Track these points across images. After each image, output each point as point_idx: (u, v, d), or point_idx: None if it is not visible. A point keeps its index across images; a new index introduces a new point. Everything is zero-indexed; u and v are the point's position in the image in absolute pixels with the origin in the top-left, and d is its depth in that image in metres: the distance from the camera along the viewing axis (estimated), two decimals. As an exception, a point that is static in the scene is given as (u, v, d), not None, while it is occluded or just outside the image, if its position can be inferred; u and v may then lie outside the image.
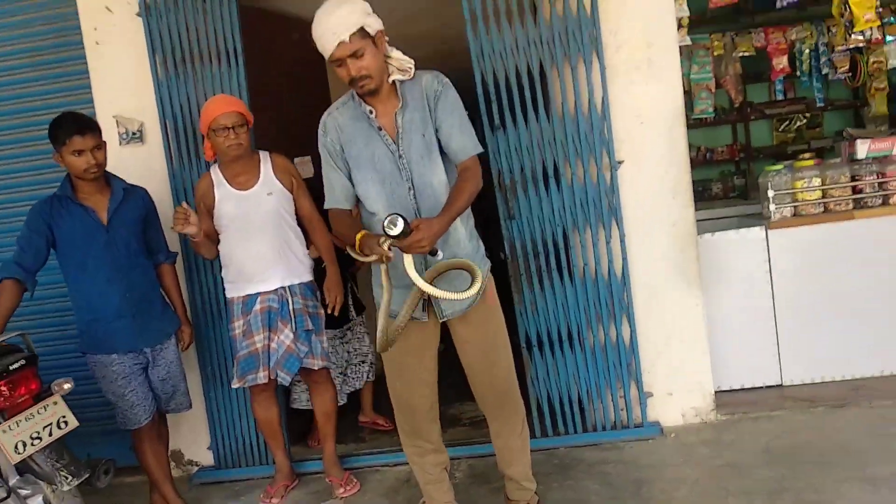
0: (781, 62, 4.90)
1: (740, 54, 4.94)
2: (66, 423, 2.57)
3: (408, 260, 2.07)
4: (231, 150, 2.98)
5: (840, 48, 4.67)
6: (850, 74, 4.97)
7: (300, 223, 3.20)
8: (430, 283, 2.12)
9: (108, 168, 3.02)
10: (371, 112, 2.26)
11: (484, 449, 3.20)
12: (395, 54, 2.26)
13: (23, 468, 2.62)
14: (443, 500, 2.57)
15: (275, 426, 3.24)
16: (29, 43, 3.56)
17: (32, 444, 2.45)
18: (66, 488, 2.47)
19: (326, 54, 2.16)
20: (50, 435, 2.50)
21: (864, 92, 5.13)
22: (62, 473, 2.48)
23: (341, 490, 3.15)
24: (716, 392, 3.47)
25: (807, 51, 4.97)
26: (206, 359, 3.52)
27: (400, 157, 2.26)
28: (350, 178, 2.31)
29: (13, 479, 2.62)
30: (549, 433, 3.36)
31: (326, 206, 2.37)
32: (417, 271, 2.09)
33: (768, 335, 3.63)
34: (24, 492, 2.63)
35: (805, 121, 6.46)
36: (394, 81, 2.26)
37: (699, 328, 3.40)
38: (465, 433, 3.60)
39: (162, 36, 3.41)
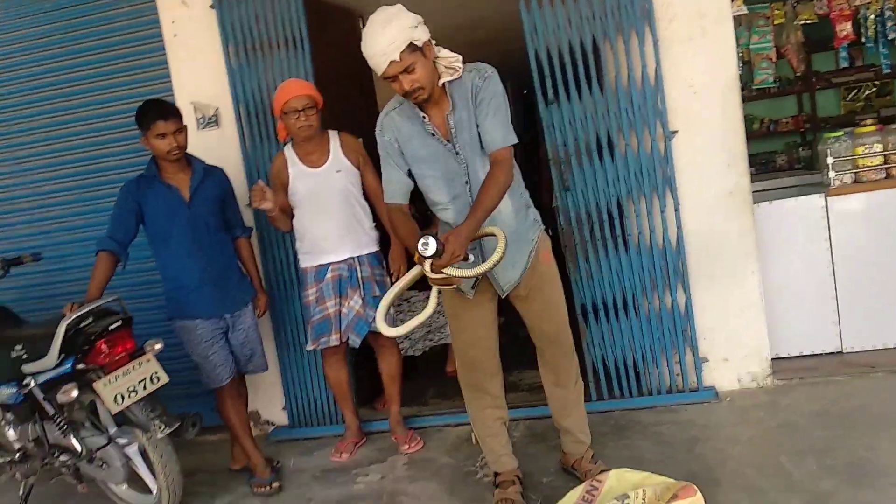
0: (845, 29, 4.78)
1: (802, 22, 4.85)
2: (157, 378, 2.84)
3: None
4: (302, 131, 3.19)
5: (908, 11, 4.55)
6: (919, 38, 4.82)
7: (367, 197, 3.39)
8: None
9: (188, 151, 3.29)
10: (425, 118, 2.37)
11: (542, 411, 3.32)
12: (443, 54, 2.34)
13: (121, 419, 2.93)
14: (500, 452, 2.73)
15: (344, 387, 3.47)
16: (113, 37, 3.84)
17: (129, 397, 2.73)
18: (159, 436, 2.74)
19: (379, 72, 2.25)
20: (144, 389, 2.78)
21: (935, 56, 4.97)
22: (156, 423, 2.74)
23: (406, 447, 3.35)
24: (773, 359, 3.51)
25: (872, 16, 4.84)
26: (280, 326, 3.78)
27: (457, 153, 2.39)
28: (409, 174, 2.46)
29: (112, 430, 2.94)
30: (605, 396, 3.47)
31: (385, 200, 2.52)
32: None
33: (828, 302, 3.63)
34: (122, 441, 2.94)
35: (875, 89, 6.28)
36: (443, 84, 2.35)
37: (755, 296, 3.43)
38: (524, 397, 3.73)
39: (234, 26, 3.64)
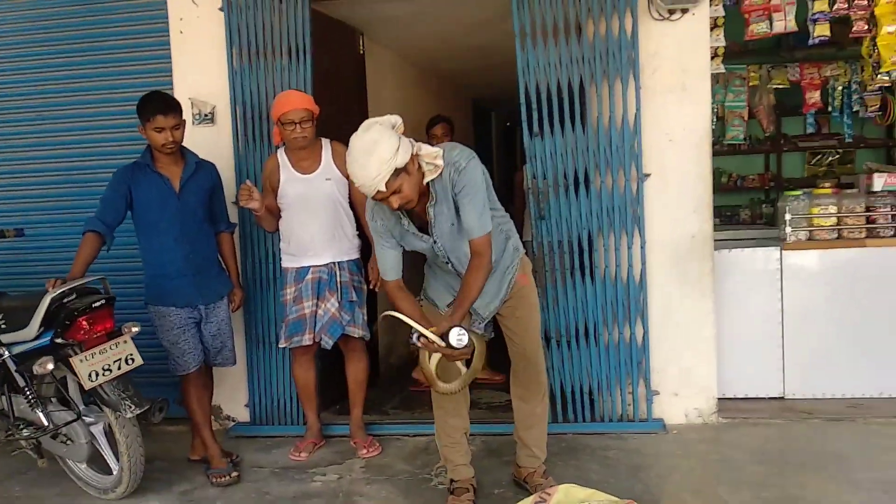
0: (814, 97, 5.12)
1: (774, 86, 5.18)
2: (132, 360, 2.92)
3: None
4: (297, 141, 3.32)
5: (872, 87, 4.88)
6: (880, 113, 5.17)
7: (352, 206, 3.51)
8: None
9: (183, 145, 3.37)
10: (401, 219, 2.53)
11: (498, 428, 3.50)
12: (424, 151, 2.41)
13: (88, 400, 3.00)
14: (459, 461, 2.86)
15: (311, 388, 3.56)
16: (119, 27, 3.95)
17: (103, 375, 2.80)
18: (129, 415, 2.81)
19: (368, 195, 2.41)
20: (119, 369, 2.85)
21: (892, 132, 5.32)
22: (127, 403, 2.81)
23: (364, 451, 3.45)
24: (720, 398, 3.70)
25: (840, 88, 5.19)
26: (253, 323, 3.87)
27: (434, 242, 2.57)
28: (400, 244, 2.64)
29: (80, 407, 2.99)
30: (560, 419, 3.62)
31: (384, 278, 2.67)
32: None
33: (775, 350, 3.85)
34: (88, 419, 3.00)
35: (838, 156, 6.64)
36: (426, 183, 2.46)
37: (709, 336, 3.64)
38: (482, 414, 3.87)
39: (240, 30, 3.77)
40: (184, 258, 3.23)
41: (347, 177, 3.43)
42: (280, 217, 3.48)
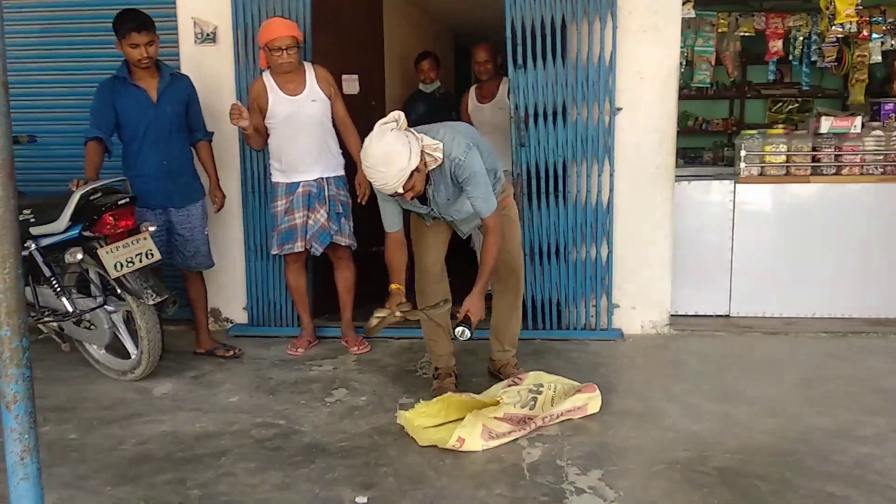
0: (776, 45, 5.45)
1: (742, 34, 5.50)
2: (151, 254, 3.22)
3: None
4: (283, 66, 3.57)
5: (829, 38, 5.24)
6: (836, 63, 5.55)
7: (335, 126, 3.79)
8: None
9: (184, 62, 3.67)
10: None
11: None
12: (426, 143, 2.71)
13: (109, 288, 3.30)
14: (442, 352, 3.27)
15: (303, 291, 3.91)
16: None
17: (127, 266, 3.11)
18: (150, 302, 3.13)
19: (386, 192, 2.71)
20: (140, 262, 3.16)
21: (847, 82, 5.72)
22: (148, 292, 3.13)
23: (355, 348, 3.84)
24: (673, 315, 4.16)
25: (800, 38, 5.53)
26: (250, 233, 4.18)
27: (431, 210, 2.95)
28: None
29: (101, 297, 3.31)
30: (530, 327, 4.03)
31: (387, 230, 3.01)
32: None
33: (724, 273, 4.30)
34: (109, 307, 3.32)
35: (797, 104, 7.05)
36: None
37: (665, 258, 4.06)
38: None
39: (243, -48, 3.96)
40: (158, 163, 3.50)
41: (331, 98, 3.73)
42: (268, 136, 3.75)
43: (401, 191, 2.67)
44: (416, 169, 2.66)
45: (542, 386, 2.96)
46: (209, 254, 3.79)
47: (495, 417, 2.73)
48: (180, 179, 3.60)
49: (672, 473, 2.43)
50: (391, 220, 3.00)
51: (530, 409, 2.83)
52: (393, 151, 2.59)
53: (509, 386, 3.00)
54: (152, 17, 4.02)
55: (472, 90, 4.66)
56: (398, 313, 2.88)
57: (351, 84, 4.23)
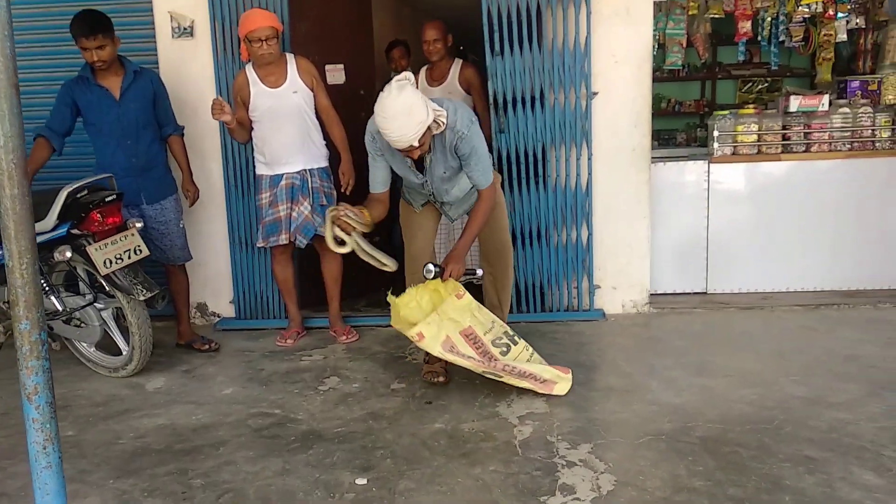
0: (745, 26, 5.55)
1: (711, 16, 5.60)
2: (140, 250, 3.24)
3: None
4: (263, 58, 3.59)
5: (796, 19, 5.36)
6: (803, 43, 5.68)
7: (318, 116, 3.82)
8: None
9: (162, 57, 3.66)
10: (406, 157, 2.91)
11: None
12: (433, 107, 2.77)
13: (96, 285, 3.32)
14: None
15: (290, 283, 3.95)
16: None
17: (116, 263, 3.13)
18: (141, 298, 3.16)
19: (400, 147, 2.74)
20: (129, 258, 3.18)
21: (815, 61, 5.86)
22: (138, 288, 3.16)
23: (344, 338, 3.90)
24: (652, 294, 4.27)
25: (769, 19, 5.65)
26: (234, 226, 4.20)
27: (424, 183, 3.02)
28: (390, 165, 3.04)
29: (90, 294, 3.32)
30: (514, 310, 4.09)
31: (371, 190, 3.08)
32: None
33: (700, 251, 4.42)
34: (99, 305, 3.34)
35: (766, 84, 7.19)
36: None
37: (643, 238, 4.16)
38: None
39: (218, -55, 3.96)
40: (126, 160, 3.53)
41: (312, 89, 3.76)
42: (252, 129, 3.78)
43: (416, 144, 2.71)
44: (429, 126, 2.73)
45: (522, 346, 3.05)
46: (186, 247, 3.81)
47: (461, 332, 2.90)
48: (151, 175, 3.62)
49: (658, 444, 2.53)
50: (378, 182, 3.06)
51: (501, 354, 2.96)
52: (414, 104, 2.67)
53: (494, 321, 3.09)
54: (128, 12, 4.04)
55: (423, 71, 4.41)
56: (357, 228, 2.97)
57: (336, 74, 4.25)
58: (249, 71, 3.72)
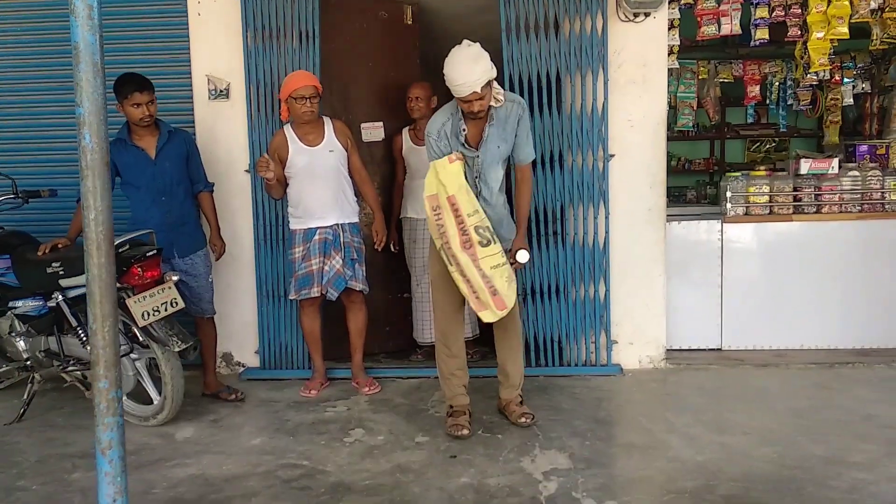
0: (754, 90, 5.78)
1: (720, 80, 5.82)
2: (176, 303, 3.36)
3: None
4: (305, 115, 3.78)
5: (804, 84, 5.57)
6: (810, 107, 5.88)
7: (351, 175, 3.99)
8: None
9: (198, 118, 3.85)
10: (464, 130, 3.18)
11: (481, 371, 4.03)
12: (494, 85, 3.12)
13: (130, 335, 3.43)
14: (457, 390, 3.42)
15: (317, 335, 4.05)
16: (140, 6, 4.31)
17: (153, 315, 3.25)
18: (176, 349, 3.27)
19: (457, 95, 3.03)
20: (166, 310, 3.30)
21: (822, 123, 6.05)
22: (174, 339, 3.27)
23: (367, 389, 3.98)
24: (668, 349, 4.35)
25: (776, 83, 5.87)
26: (263, 279, 4.33)
27: (477, 156, 3.22)
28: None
29: (125, 345, 3.43)
30: (533, 364, 4.20)
31: (430, 160, 3.29)
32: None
33: (714, 308, 4.51)
34: (133, 355, 3.45)
35: (774, 144, 7.39)
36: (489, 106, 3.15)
37: (659, 295, 4.27)
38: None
39: (255, 14, 4.18)
40: (161, 214, 3.67)
41: (347, 149, 3.94)
42: (287, 185, 3.94)
43: (478, 91, 2.98)
44: (490, 84, 3.04)
45: (499, 248, 3.19)
46: (212, 300, 3.93)
47: (447, 198, 3.12)
48: (183, 230, 3.76)
49: (681, 502, 2.59)
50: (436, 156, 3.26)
51: (480, 245, 3.12)
52: (480, 54, 3.02)
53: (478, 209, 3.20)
54: (169, 74, 4.27)
55: (406, 131, 4.43)
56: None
57: (374, 131, 4.43)
58: (288, 130, 3.89)
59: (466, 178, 3.21)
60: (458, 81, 3.00)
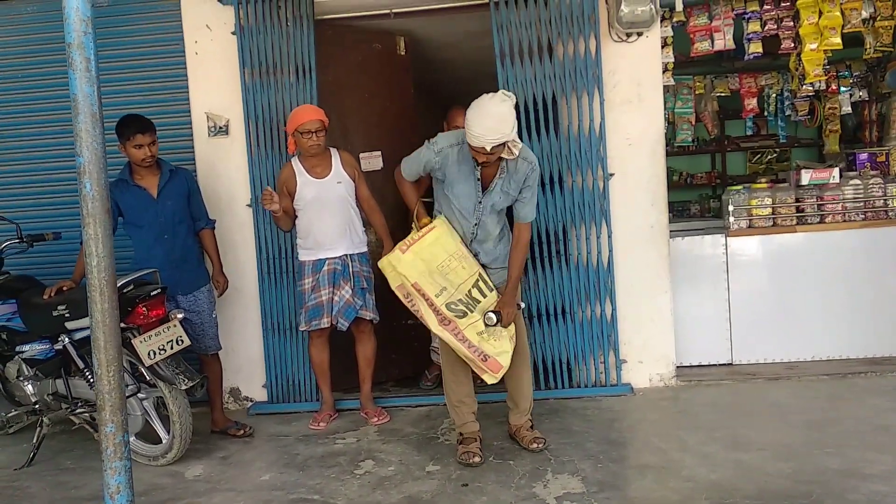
0: (752, 103, 5.79)
1: (717, 94, 5.84)
2: (182, 341, 3.36)
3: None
4: (312, 148, 3.81)
5: (801, 95, 5.58)
6: (809, 116, 5.89)
7: (359, 205, 4.01)
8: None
9: (199, 155, 3.88)
10: (477, 167, 3.18)
11: (489, 397, 4.00)
12: (514, 138, 3.05)
13: (136, 374, 3.43)
14: (467, 418, 3.40)
15: (325, 366, 4.04)
16: (140, 48, 4.37)
17: (159, 353, 3.25)
18: (183, 387, 3.26)
19: (473, 142, 2.99)
20: (171, 348, 3.30)
21: (822, 132, 6.05)
22: (180, 377, 3.27)
23: (375, 419, 3.95)
24: (678, 366, 4.32)
25: (773, 95, 5.88)
26: (268, 313, 4.33)
27: (479, 202, 3.24)
28: (441, 180, 3.29)
29: (132, 385, 3.43)
30: (543, 387, 4.18)
31: (402, 167, 3.34)
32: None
33: (723, 322, 4.48)
34: (141, 395, 3.44)
35: (775, 154, 7.39)
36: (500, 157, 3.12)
37: (666, 312, 4.24)
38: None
39: (251, 51, 4.23)
40: (164, 252, 3.69)
41: (355, 180, 3.96)
42: (296, 217, 3.96)
43: (488, 149, 2.96)
44: (506, 144, 3.00)
45: (483, 312, 3.21)
46: (217, 336, 3.93)
47: (412, 284, 3.17)
48: (186, 267, 3.77)
49: (697, 523, 2.55)
50: (413, 173, 3.32)
51: (459, 318, 3.15)
52: (508, 116, 2.97)
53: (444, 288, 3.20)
54: (168, 113, 4.32)
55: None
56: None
57: (372, 161, 4.46)
58: (296, 163, 3.92)
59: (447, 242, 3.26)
60: (476, 132, 2.96)
